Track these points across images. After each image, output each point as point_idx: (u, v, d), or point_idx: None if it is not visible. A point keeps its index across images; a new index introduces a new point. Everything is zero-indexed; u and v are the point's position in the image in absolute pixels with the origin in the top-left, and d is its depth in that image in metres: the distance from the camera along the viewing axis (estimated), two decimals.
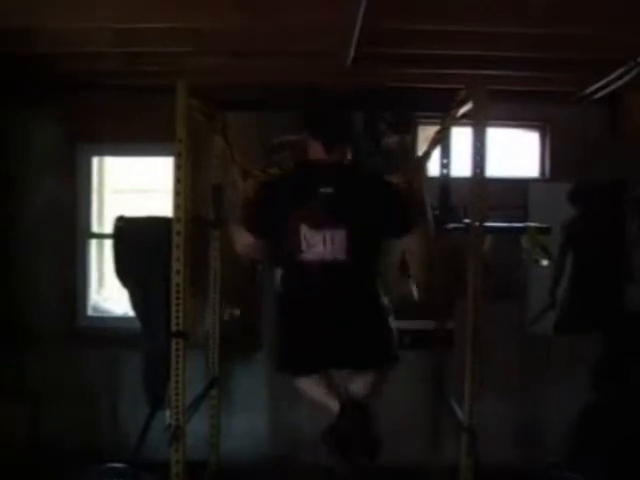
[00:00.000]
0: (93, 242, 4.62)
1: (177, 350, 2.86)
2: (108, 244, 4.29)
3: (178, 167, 2.84)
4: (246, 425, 4.32)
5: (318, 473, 2.82)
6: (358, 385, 2.65)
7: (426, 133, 4.45)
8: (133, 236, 3.68)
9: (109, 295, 4.72)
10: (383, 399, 2.75)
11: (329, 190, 2.48)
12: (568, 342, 4.25)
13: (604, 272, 4.28)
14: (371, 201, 2.58)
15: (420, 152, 4.42)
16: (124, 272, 3.72)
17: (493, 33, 3.19)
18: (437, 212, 3.60)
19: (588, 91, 4.08)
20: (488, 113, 2.76)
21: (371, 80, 4.01)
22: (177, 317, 2.85)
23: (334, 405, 2.53)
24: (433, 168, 3.96)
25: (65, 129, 4.45)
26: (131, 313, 3.84)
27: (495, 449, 3.17)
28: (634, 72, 3.50)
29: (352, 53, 3.35)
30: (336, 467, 2.49)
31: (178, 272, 2.84)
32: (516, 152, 4.69)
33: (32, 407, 4.41)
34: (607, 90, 3.95)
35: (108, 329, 4.46)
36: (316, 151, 2.60)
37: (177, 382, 2.85)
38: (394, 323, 2.72)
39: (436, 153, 3.71)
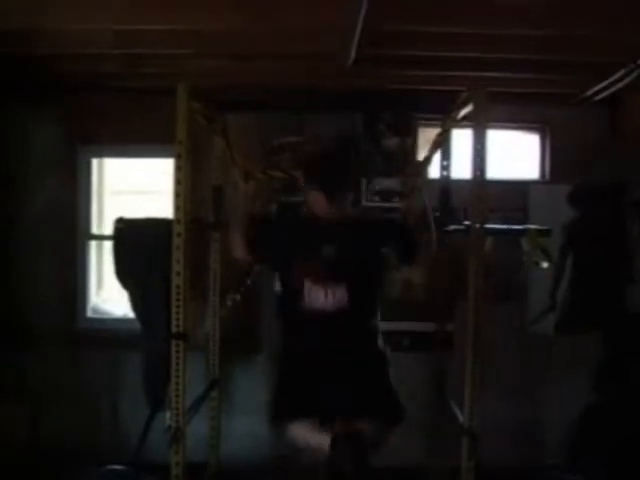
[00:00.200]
0: (93, 244, 4.62)
1: (177, 352, 2.85)
2: (107, 246, 4.30)
3: (178, 168, 2.83)
4: (246, 427, 4.31)
5: (318, 474, 2.81)
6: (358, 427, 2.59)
7: (426, 135, 4.45)
8: (133, 238, 3.68)
9: (108, 297, 4.72)
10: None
11: (331, 251, 2.51)
12: (568, 343, 4.24)
13: (604, 273, 4.28)
14: (373, 249, 2.63)
15: (420, 154, 4.43)
16: (124, 273, 3.72)
17: (494, 35, 3.19)
18: (437, 214, 3.60)
19: (588, 93, 4.08)
20: (488, 115, 2.76)
21: (372, 82, 4.01)
22: (177, 318, 2.85)
23: (326, 441, 2.47)
24: (433, 170, 3.97)
25: (65, 130, 4.44)
26: (131, 314, 3.85)
27: (495, 450, 3.17)
28: (634, 74, 3.50)
29: (353, 54, 3.35)
30: None
31: (178, 274, 2.84)
32: (516, 154, 4.69)
33: (32, 407, 4.41)
34: (607, 92, 3.96)
35: (108, 331, 4.46)
36: (317, 201, 2.59)
37: (177, 384, 2.85)
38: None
39: (436, 155, 3.71)
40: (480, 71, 3.58)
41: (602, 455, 3.87)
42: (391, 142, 4.48)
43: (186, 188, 2.84)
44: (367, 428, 2.52)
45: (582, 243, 4.31)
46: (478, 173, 2.76)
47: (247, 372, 4.43)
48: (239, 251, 2.78)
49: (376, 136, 4.48)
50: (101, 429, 4.47)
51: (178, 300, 2.85)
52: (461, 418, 2.92)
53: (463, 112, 2.98)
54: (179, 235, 2.83)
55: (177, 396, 2.85)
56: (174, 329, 2.86)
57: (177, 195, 2.83)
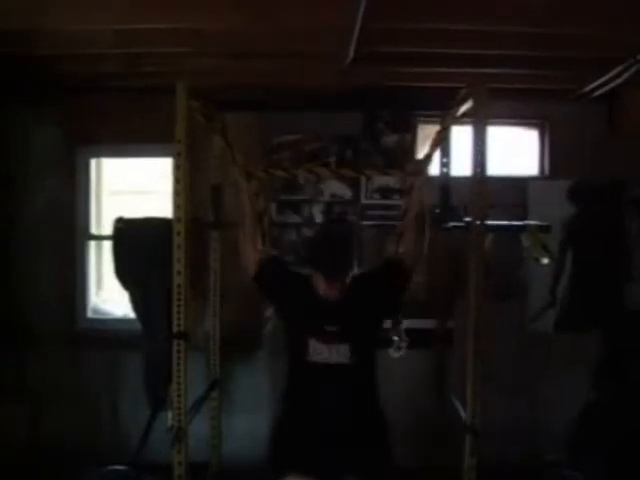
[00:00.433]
0: (92, 244, 4.61)
1: (178, 351, 2.85)
2: (107, 246, 4.29)
3: (177, 167, 2.83)
4: (247, 426, 4.31)
5: None
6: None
7: (425, 132, 4.46)
8: (133, 237, 3.67)
9: (108, 297, 4.71)
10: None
11: (333, 328, 2.56)
12: (568, 340, 4.24)
13: (603, 271, 4.28)
14: (375, 311, 2.70)
15: (419, 151, 4.43)
16: (124, 273, 3.71)
17: (492, 31, 3.19)
18: (438, 211, 3.60)
19: (587, 89, 4.08)
20: (488, 111, 2.76)
21: (371, 80, 4.00)
22: (178, 318, 2.85)
23: None
24: (433, 167, 3.96)
25: (64, 130, 4.43)
26: (131, 315, 3.84)
27: (495, 447, 3.17)
28: (633, 69, 3.50)
29: (352, 53, 3.35)
30: None
31: (179, 273, 2.84)
32: (515, 150, 4.69)
33: (32, 407, 4.41)
34: (606, 88, 3.96)
35: (108, 331, 4.46)
36: (319, 282, 2.60)
37: (179, 383, 2.85)
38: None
39: (435, 152, 3.71)
40: (479, 67, 3.57)
41: (602, 452, 3.87)
42: (390, 139, 4.48)
43: (185, 187, 2.84)
44: None
45: (581, 240, 4.31)
46: (478, 170, 2.76)
47: (247, 371, 4.43)
48: (249, 250, 2.79)
49: (375, 134, 4.48)
50: (101, 429, 4.47)
51: (179, 299, 2.85)
52: (463, 415, 2.92)
53: (463, 109, 2.98)
54: (179, 234, 2.82)
55: (178, 396, 2.85)
56: (175, 328, 2.86)
57: (177, 194, 2.83)
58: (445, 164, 3.75)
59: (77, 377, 4.45)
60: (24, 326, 4.41)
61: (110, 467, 3.75)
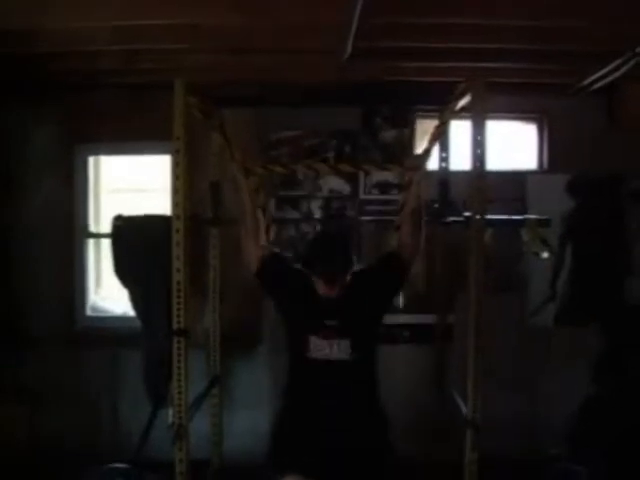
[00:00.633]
0: (91, 242, 4.60)
1: (179, 348, 2.85)
2: (105, 244, 4.28)
3: (176, 164, 2.82)
4: (248, 423, 4.30)
5: None
6: None
7: (424, 126, 4.45)
8: (132, 235, 3.66)
9: (107, 295, 4.70)
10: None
11: (334, 323, 2.57)
12: (568, 334, 4.24)
13: (603, 265, 4.27)
14: (375, 307, 2.71)
15: (418, 146, 4.43)
16: (123, 271, 3.70)
17: (491, 25, 3.19)
18: (437, 206, 3.59)
19: (586, 82, 4.07)
20: (487, 106, 2.75)
21: (369, 75, 3.99)
22: (178, 315, 2.84)
23: None
24: (432, 162, 3.95)
25: (63, 128, 4.42)
26: (130, 312, 3.83)
27: (495, 441, 3.16)
28: (632, 63, 3.49)
29: (349, 48, 3.34)
30: None
31: (178, 270, 2.83)
32: (514, 144, 4.68)
33: (32, 407, 4.40)
34: (605, 81, 3.95)
35: (108, 329, 4.45)
36: (318, 284, 2.61)
37: (179, 380, 2.85)
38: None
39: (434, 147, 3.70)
40: (477, 62, 3.56)
41: (602, 446, 3.87)
42: (388, 134, 4.48)
43: (184, 184, 2.83)
44: None
45: (580, 234, 4.30)
46: (478, 164, 2.76)
47: (248, 367, 4.42)
48: (251, 247, 2.79)
49: (373, 129, 4.48)
50: (102, 428, 4.46)
51: (179, 296, 2.84)
52: (464, 410, 2.92)
53: (461, 103, 2.98)
54: (178, 231, 2.81)
55: (179, 393, 2.85)
56: (175, 325, 2.85)
57: (176, 191, 2.82)
58: (444, 159, 3.74)
59: (77, 376, 4.43)
60: (23, 325, 4.40)
61: (111, 465, 3.75)
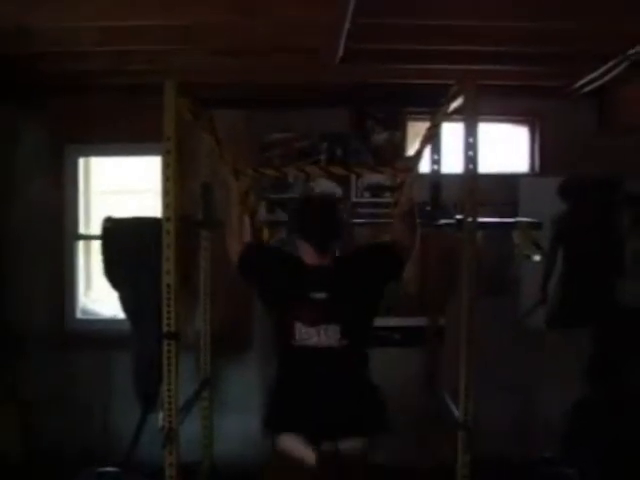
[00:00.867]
0: (80, 244, 4.58)
1: (169, 351, 2.82)
2: (95, 245, 4.25)
3: (167, 165, 2.79)
4: (239, 426, 4.29)
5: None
6: (344, 445, 2.57)
7: (415, 129, 4.45)
8: (122, 237, 3.64)
9: (97, 297, 4.68)
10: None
11: (322, 298, 2.51)
12: (561, 336, 4.25)
13: (595, 267, 4.28)
14: (365, 286, 2.61)
15: (409, 148, 4.43)
16: (113, 273, 3.68)
17: (482, 28, 3.19)
18: (428, 208, 3.59)
19: (577, 85, 4.08)
20: (479, 108, 2.75)
21: (360, 77, 3.99)
22: (169, 318, 2.82)
23: (310, 457, 2.47)
24: (423, 164, 3.95)
25: (53, 130, 4.40)
26: (120, 315, 3.80)
27: (488, 443, 3.16)
28: (623, 66, 3.51)
29: (341, 50, 3.33)
30: None
31: (169, 272, 2.81)
32: (505, 147, 4.69)
33: (21, 410, 4.38)
34: (596, 84, 3.96)
35: (98, 331, 4.43)
36: (307, 252, 2.58)
37: (170, 384, 2.82)
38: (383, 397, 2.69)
39: (426, 149, 3.70)
40: (469, 64, 3.56)
41: (595, 448, 3.87)
42: (380, 137, 4.47)
43: (175, 185, 2.81)
44: (353, 447, 2.53)
45: (572, 236, 4.31)
46: (470, 167, 2.75)
47: (238, 370, 4.41)
48: (234, 245, 2.77)
49: (365, 132, 4.48)
50: (92, 431, 4.43)
51: (169, 299, 2.81)
52: (456, 412, 2.91)
53: (453, 106, 2.97)
54: (169, 233, 2.79)
55: (169, 396, 2.82)
56: (165, 328, 2.82)
57: (166, 193, 2.80)
58: (436, 161, 3.73)
59: (67, 378, 4.41)
60: (12, 327, 4.37)
61: (101, 469, 3.72)
